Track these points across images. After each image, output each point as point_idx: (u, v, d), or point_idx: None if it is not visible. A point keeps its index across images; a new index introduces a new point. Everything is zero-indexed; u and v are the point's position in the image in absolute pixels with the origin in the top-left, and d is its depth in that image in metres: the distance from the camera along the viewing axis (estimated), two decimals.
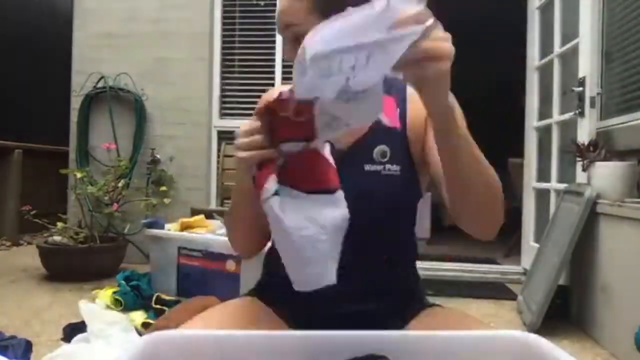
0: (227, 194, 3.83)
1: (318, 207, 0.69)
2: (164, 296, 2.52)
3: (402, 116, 1.02)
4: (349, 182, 0.97)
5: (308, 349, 0.69)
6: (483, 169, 0.82)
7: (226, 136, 4.15)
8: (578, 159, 2.78)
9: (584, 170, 2.74)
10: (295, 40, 0.93)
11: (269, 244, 1.13)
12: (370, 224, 0.98)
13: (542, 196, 3.65)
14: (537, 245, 3.28)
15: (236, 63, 4.27)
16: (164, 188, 3.93)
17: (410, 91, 1.03)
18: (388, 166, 0.99)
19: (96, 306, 2.38)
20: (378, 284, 1.02)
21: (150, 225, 2.81)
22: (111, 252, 3.66)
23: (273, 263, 1.08)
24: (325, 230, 0.68)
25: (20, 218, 4.17)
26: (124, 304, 2.48)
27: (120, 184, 3.75)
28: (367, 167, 0.99)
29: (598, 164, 2.62)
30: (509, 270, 3.81)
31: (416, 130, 1.01)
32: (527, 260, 3.56)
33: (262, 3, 4.19)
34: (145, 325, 2.25)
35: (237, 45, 4.25)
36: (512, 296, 3.22)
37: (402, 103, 1.03)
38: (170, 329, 0.73)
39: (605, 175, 2.57)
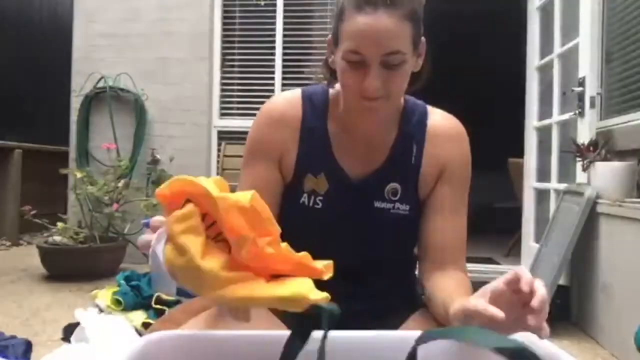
0: None
1: None
2: (164, 296, 2.51)
3: (419, 154, 1.00)
4: (358, 216, 0.99)
5: (307, 348, 0.69)
6: None
7: (226, 136, 4.15)
8: (578, 159, 2.78)
9: (584, 170, 2.74)
10: (383, 67, 0.86)
11: None
12: (374, 256, 1.01)
13: (542, 196, 3.65)
14: (537, 245, 3.28)
15: (236, 63, 4.27)
16: None
17: (431, 130, 1.01)
18: (397, 205, 0.98)
19: (93, 311, 2.38)
20: (377, 288, 1.04)
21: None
22: (111, 252, 3.65)
23: None
24: None
25: (20, 218, 4.18)
26: (124, 304, 2.48)
27: (120, 184, 3.75)
28: (377, 204, 0.98)
29: (598, 164, 2.62)
30: (509, 270, 3.79)
31: (430, 172, 1.00)
32: (527, 260, 3.55)
33: (262, 3, 4.19)
34: (145, 325, 2.25)
35: (237, 45, 4.25)
36: None
37: (420, 140, 1.00)
38: (170, 329, 0.73)
39: (605, 175, 2.57)
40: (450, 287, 0.88)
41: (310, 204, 0.98)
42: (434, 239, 0.97)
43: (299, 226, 0.99)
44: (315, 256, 1.01)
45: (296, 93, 1.02)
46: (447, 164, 0.99)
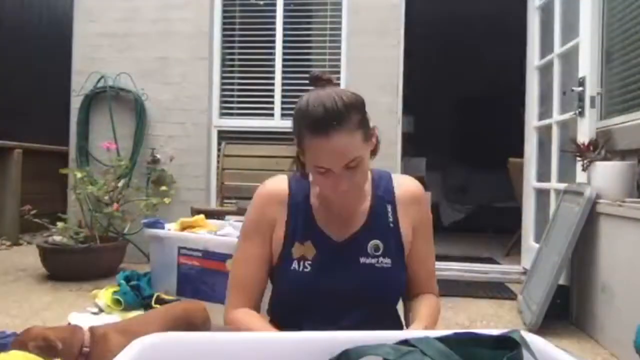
0: (227, 193, 3.83)
1: None
2: (163, 296, 2.52)
3: (394, 214, 1.15)
4: (346, 274, 1.11)
5: (306, 349, 0.69)
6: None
7: (226, 135, 4.14)
8: (578, 158, 2.78)
9: (584, 170, 2.74)
10: (346, 169, 1.02)
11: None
12: (362, 310, 1.11)
13: (542, 196, 3.65)
14: (537, 245, 3.28)
15: (236, 62, 4.27)
16: (164, 188, 3.93)
17: (399, 193, 1.16)
18: (381, 259, 1.11)
19: (88, 315, 2.37)
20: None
21: (151, 225, 2.81)
22: (111, 252, 3.65)
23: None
24: None
25: (20, 218, 4.17)
26: (123, 304, 2.48)
27: (120, 184, 3.75)
28: (362, 260, 1.11)
29: (598, 163, 2.62)
30: (509, 270, 3.80)
31: (407, 232, 1.15)
32: (527, 260, 3.55)
33: (261, 2, 4.19)
34: None
35: (237, 44, 4.25)
36: (512, 296, 3.21)
37: (391, 202, 1.15)
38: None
39: (605, 175, 2.57)
40: (416, 308, 1.13)
41: (300, 268, 1.11)
42: (417, 283, 1.18)
43: (291, 290, 1.13)
44: (304, 317, 1.10)
45: (284, 178, 1.19)
46: (418, 221, 1.17)
